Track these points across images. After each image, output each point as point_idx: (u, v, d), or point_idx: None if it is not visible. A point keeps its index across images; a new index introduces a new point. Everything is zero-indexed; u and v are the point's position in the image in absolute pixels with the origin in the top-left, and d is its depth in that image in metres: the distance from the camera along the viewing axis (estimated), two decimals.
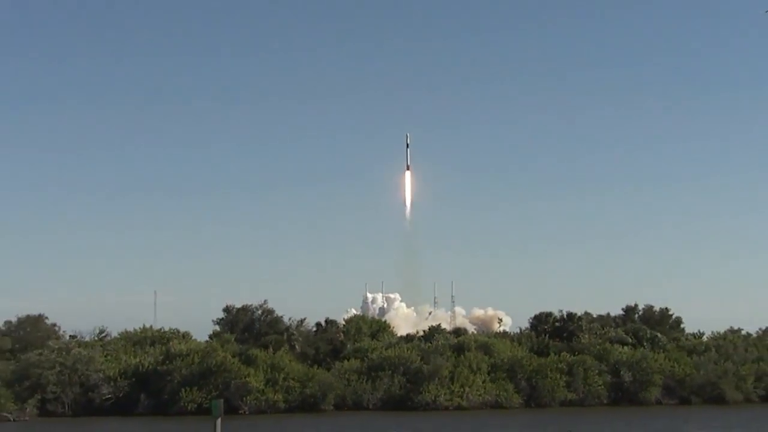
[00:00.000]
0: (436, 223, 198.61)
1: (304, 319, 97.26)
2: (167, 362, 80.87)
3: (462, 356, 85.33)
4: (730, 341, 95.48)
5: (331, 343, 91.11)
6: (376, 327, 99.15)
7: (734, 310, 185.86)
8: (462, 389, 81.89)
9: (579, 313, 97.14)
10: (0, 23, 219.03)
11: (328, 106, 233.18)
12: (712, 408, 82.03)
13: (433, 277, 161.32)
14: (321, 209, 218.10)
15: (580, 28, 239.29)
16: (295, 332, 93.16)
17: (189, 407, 76.09)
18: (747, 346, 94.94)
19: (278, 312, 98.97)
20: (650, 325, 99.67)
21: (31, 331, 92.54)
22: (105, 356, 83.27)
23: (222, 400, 46.26)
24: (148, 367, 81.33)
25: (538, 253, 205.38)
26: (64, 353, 79.90)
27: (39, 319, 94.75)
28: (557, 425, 67.07)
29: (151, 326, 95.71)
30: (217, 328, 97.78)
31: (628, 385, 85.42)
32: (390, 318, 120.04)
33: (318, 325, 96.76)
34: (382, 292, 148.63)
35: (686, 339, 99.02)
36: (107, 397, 78.92)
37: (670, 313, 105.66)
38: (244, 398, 77.72)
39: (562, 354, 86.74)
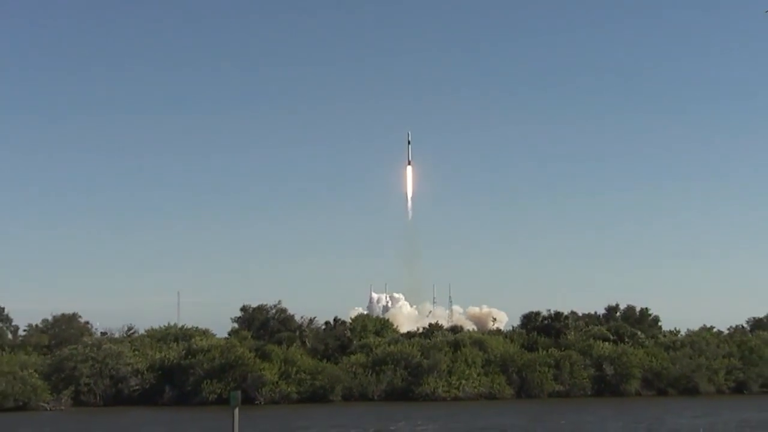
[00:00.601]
0: (435, 221, 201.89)
1: (315, 317, 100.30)
2: (189, 357, 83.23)
3: (459, 352, 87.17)
4: (704, 338, 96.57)
5: (339, 340, 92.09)
6: (380, 325, 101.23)
7: (707, 310, 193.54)
8: (459, 382, 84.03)
9: (565, 312, 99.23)
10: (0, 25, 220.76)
11: (329, 107, 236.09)
12: (686, 399, 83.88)
13: (432, 276, 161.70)
14: (328, 212, 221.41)
15: (580, 28, 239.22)
16: (306, 329, 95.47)
17: (210, 398, 78.48)
18: (719, 342, 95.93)
19: (290, 311, 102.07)
20: (631, 323, 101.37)
21: (66, 328, 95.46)
22: (133, 351, 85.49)
23: (239, 392, 45.33)
24: (173, 361, 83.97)
25: (533, 252, 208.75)
26: (95, 348, 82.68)
27: (73, 317, 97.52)
28: (545, 414, 69.69)
29: (175, 324, 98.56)
30: (235, 325, 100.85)
31: (610, 377, 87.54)
32: (393, 316, 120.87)
33: (327, 323, 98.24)
34: (385, 293, 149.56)
35: (663, 336, 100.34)
36: (135, 388, 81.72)
37: (649, 312, 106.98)
38: (260, 390, 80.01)
39: (550, 349, 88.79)
